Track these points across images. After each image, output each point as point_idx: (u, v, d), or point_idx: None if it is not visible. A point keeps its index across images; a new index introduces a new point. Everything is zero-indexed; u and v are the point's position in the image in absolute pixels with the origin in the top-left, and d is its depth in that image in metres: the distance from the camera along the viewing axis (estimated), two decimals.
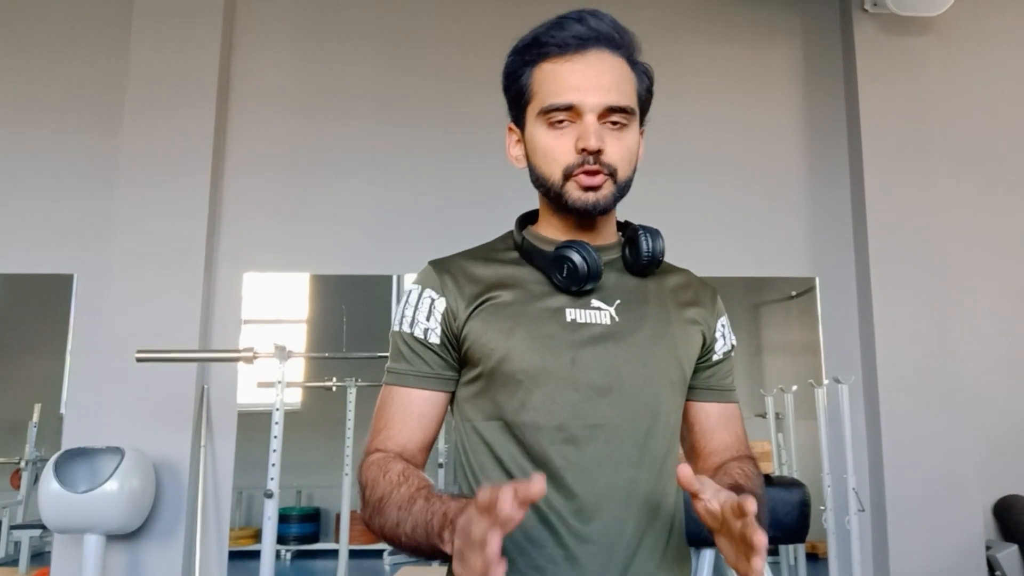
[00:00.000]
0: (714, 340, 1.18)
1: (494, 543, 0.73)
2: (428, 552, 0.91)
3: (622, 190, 1.09)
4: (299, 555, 3.42)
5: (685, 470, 0.88)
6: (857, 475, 2.87)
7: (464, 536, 0.79)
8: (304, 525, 3.44)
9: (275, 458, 2.59)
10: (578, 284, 1.07)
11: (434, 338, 1.09)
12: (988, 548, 3.02)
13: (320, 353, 3.43)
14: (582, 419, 1.04)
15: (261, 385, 2.97)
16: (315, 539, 3.44)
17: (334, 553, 3.29)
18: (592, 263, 1.06)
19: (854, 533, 2.79)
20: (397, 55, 3.43)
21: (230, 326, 3.19)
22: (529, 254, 1.12)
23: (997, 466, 3.14)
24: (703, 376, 1.18)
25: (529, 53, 1.09)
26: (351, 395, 3.34)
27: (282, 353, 2.66)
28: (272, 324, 3.51)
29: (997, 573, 2.98)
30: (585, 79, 1.05)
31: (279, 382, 2.64)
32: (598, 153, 1.04)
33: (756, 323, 3.58)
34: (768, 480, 2.46)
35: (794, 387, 3.29)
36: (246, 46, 3.40)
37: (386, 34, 3.45)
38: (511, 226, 1.21)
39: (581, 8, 1.08)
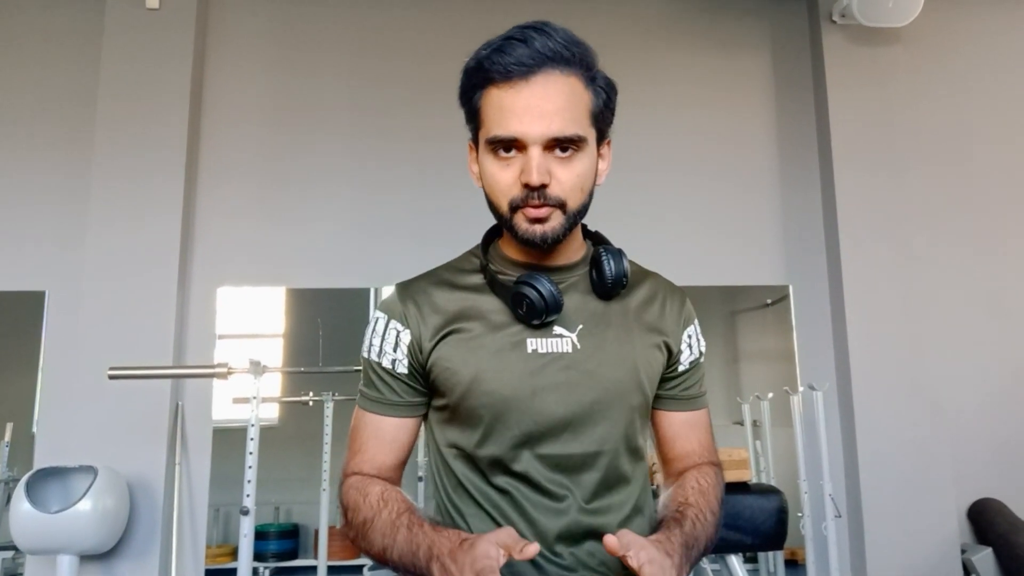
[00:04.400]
0: (679, 352, 1.17)
1: None
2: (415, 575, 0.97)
3: (574, 218, 1.06)
4: (278, 572, 3.38)
5: (609, 540, 0.91)
6: (833, 481, 2.89)
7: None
8: (283, 542, 3.41)
9: (251, 475, 2.57)
10: (537, 318, 1.06)
11: (401, 368, 1.11)
12: (963, 551, 3.05)
13: (296, 368, 3.41)
14: (540, 452, 1.06)
15: (237, 401, 2.95)
16: (294, 556, 3.41)
17: (313, 570, 3.26)
18: (550, 298, 1.04)
19: (831, 539, 2.81)
20: (371, 67, 3.43)
21: (204, 341, 3.16)
22: (492, 282, 1.11)
23: (971, 470, 3.18)
24: (668, 386, 1.18)
25: (475, 77, 1.06)
26: (328, 410, 3.32)
27: (257, 368, 2.64)
28: (248, 339, 3.48)
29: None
30: (528, 109, 1.00)
31: (254, 398, 2.62)
32: (542, 187, 1.01)
33: (732, 331, 3.60)
34: (746, 488, 2.48)
35: (770, 395, 3.31)
36: (219, 59, 3.38)
37: (360, 46, 3.45)
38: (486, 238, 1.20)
39: (530, 23, 1.02)
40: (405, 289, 1.14)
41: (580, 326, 1.09)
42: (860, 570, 3.06)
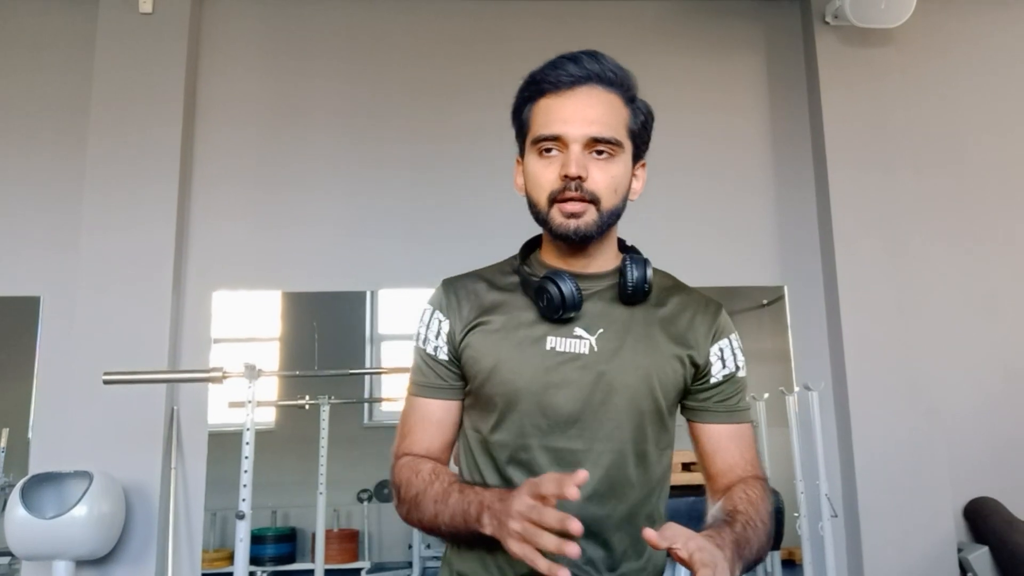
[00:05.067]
0: (708, 364, 1.21)
1: (575, 524, 0.87)
2: (466, 535, 1.05)
3: (607, 218, 1.15)
4: None
5: (649, 533, 0.92)
6: (829, 481, 2.90)
7: (527, 520, 0.91)
8: (280, 545, 3.40)
9: (246, 479, 2.57)
10: (556, 313, 1.14)
11: (442, 355, 1.21)
12: (960, 550, 3.06)
13: (292, 372, 3.41)
14: (546, 444, 1.13)
15: (232, 405, 2.94)
16: (291, 559, 3.40)
17: (311, 573, 3.26)
18: (569, 295, 1.12)
19: (828, 539, 2.81)
20: (365, 70, 3.44)
21: (200, 346, 3.16)
22: (523, 281, 1.20)
23: (967, 469, 3.18)
24: (702, 397, 1.22)
25: (528, 91, 1.18)
26: (324, 413, 3.31)
27: (252, 372, 2.64)
28: (244, 343, 3.48)
29: (969, 575, 3.02)
30: (573, 112, 1.13)
31: (249, 402, 2.62)
32: (579, 180, 1.11)
33: None
34: None
35: (766, 395, 3.31)
36: (212, 63, 3.38)
37: (353, 50, 3.45)
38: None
39: (583, 50, 1.17)
40: (450, 284, 1.25)
41: (601, 330, 1.16)
42: (857, 569, 3.07)
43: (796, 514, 2.90)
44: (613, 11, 3.52)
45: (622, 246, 1.29)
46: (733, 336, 1.24)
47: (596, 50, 1.18)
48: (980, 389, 3.31)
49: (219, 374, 2.66)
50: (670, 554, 0.93)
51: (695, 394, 1.21)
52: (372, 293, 3.54)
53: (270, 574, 3.36)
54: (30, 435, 3.06)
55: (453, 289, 1.23)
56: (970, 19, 3.62)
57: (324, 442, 3.31)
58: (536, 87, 1.17)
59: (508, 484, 1.12)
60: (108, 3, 3.22)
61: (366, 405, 3.57)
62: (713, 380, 1.21)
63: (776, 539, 2.41)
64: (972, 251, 3.42)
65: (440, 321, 1.21)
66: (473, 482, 1.16)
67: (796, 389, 3.15)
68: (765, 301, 3.47)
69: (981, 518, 3.13)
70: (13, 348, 3.25)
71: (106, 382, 2.62)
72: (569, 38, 3.51)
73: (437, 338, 1.21)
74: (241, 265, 3.25)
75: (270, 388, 3.39)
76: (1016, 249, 3.45)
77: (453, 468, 1.23)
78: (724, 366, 1.22)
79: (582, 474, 0.91)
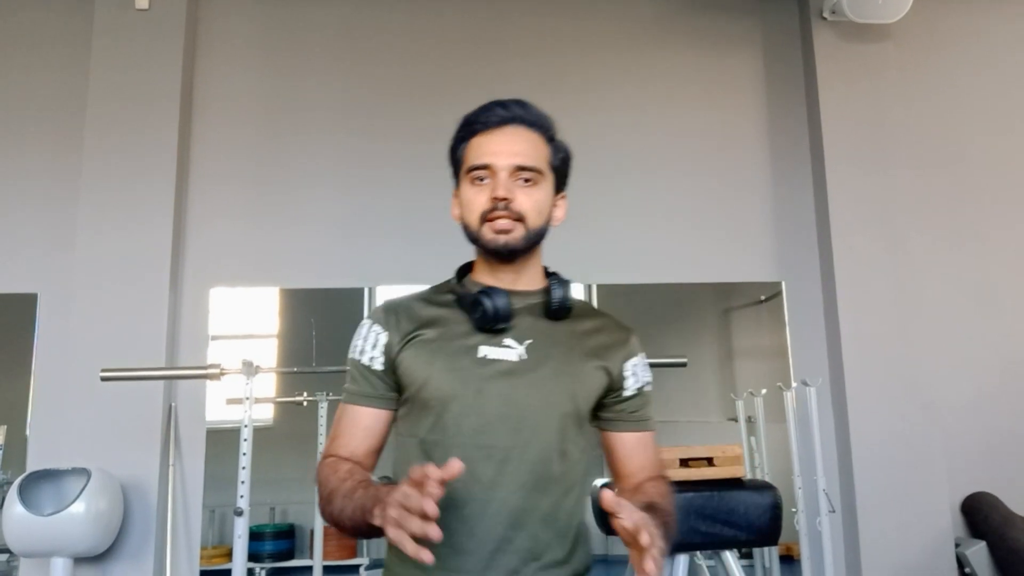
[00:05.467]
0: (622, 379, 1.36)
1: (430, 505, 0.94)
2: (365, 529, 1.12)
3: (532, 236, 1.30)
4: (274, 572, 3.38)
5: (608, 494, 1.03)
6: (827, 476, 2.90)
7: (401, 507, 0.98)
8: (279, 542, 3.40)
9: (244, 475, 2.57)
10: (489, 324, 1.28)
11: (377, 365, 1.31)
12: (957, 545, 3.06)
13: (289, 368, 3.41)
14: (480, 442, 1.23)
15: (230, 402, 2.94)
16: (290, 556, 3.41)
17: (309, 570, 3.26)
18: (501, 307, 1.27)
19: (825, 534, 2.81)
20: (361, 68, 3.43)
21: (197, 343, 3.16)
22: (458, 298, 1.33)
23: (964, 464, 3.19)
24: (616, 409, 1.37)
25: (463, 131, 1.35)
26: (322, 410, 3.32)
27: (249, 369, 2.64)
28: (242, 340, 3.48)
29: (966, 570, 3.02)
30: (500, 146, 1.30)
31: (247, 398, 2.62)
32: (507, 201, 1.27)
33: (726, 328, 3.61)
34: (740, 484, 2.48)
35: (764, 391, 3.32)
36: (209, 60, 3.38)
37: (350, 47, 3.45)
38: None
39: (511, 98, 1.34)
40: (389, 303, 1.37)
41: (529, 340, 1.30)
42: (855, 565, 3.07)
43: (794, 509, 2.90)
44: (610, 9, 3.51)
45: (545, 271, 1.41)
46: (642, 355, 1.40)
47: (522, 99, 1.35)
48: (977, 385, 3.32)
49: (217, 371, 2.65)
50: (612, 522, 1.04)
51: (610, 407, 1.36)
52: (369, 289, 3.54)
53: (269, 571, 3.37)
54: (28, 432, 3.06)
55: (392, 307, 1.35)
56: (967, 14, 3.62)
57: (322, 439, 3.31)
58: (469, 128, 1.34)
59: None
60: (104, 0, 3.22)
61: None
62: (626, 393, 1.36)
63: (774, 534, 2.42)
64: (969, 247, 3.43)
65: (379, 334, 1.32)
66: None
67: (794, 385, 3.15)
68: (763, 297, 3.47)
69: (978, 513, 3.14)
70: (10, 345, 3.25)
71: (103, 379, 2.62)
72: (566, 37, 3.52)
73: (374, 349, 1.31)
74: (238, 262, 3.25)
75: (268, 385, 3.39)
76: (1013, 245, 3.45)
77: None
78: (636, 380, 1.37)
79: (456, 464, 0.98)
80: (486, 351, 1.28)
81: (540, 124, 1.35)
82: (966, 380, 3.31)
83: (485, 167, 1.29)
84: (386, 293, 3.54)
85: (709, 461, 2.44)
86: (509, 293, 1.30)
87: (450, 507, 1.18)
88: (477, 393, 1.25)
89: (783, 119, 3.49)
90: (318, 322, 3.42)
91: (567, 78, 3.46)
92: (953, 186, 3.46)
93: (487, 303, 1.27)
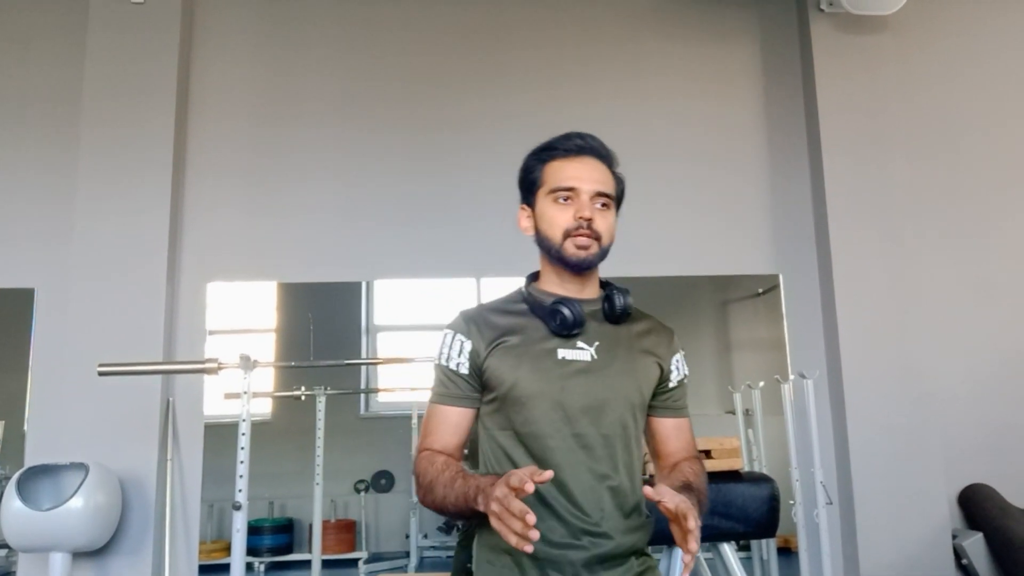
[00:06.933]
0: (670, 372, 1.56)
1: (531, 516, 1.12)
2: (468, 513, 1.32)
3: (604, 253, 1.50)
4: (273, 567, 3.39)
5: (647, 489, 1.22)
6: (824, 469, 2.91)
7: (503, 506, 1.16)
8: (277, 536, 3.41)
9: (243, 469, 2.57)
10: (567, 330, 1.46)
11: (464, 369, 1.48)
12: (954, 537, 3.07)
13: (287, 362, 3.41)
14: (569, 430, 1.43)
15: (228, 396, 2.94)
16: (289, 550, 3.42)
17: (308, 564, 3.27)
18: (577, 315, 1.45)
19: (823, 526, 2.82)
20: (358, 60, 3.42)
21: (195, 337, 3.16)
22: (532, 307, 1.51)
23: (961, 456, 3.20)
24: (661, 398, 1.55)
25: (542, 155, 1.54)
26: (320, 404, 3.32)
27: (247, 363, 2.64)
28: (239, 334, 3.48)
29: (964, 561, 3.04)
30: (582, 172, 1.49)
31: (245, 393, 2.62)
32: (590, 221, 1.46)
33: (723, 321, 3.62)
34: (738, 476, 2.49)
35: (761, 383, 3.32)
36: (205, 53, 3.37)
37: (347, 39, 3.44)
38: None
39: (586, 132, 1.54)
40: (468, 314, 1.53)
41: (597, 343, 1.48)
42: (852, 556, 3.08)
43: (791, 501, 2.91)
44: (607, 0, 3.51)
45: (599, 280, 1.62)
46: (682, 351, 1.60)
47: (591, 134, 1.54)
48: (974, 376, 3.32)
49: (214, 365, 2.66)
50: (658, 507, 1.22)
51: (656, 396, 1.54)
52: (368, 284, 3.54)
53: (267, 565, 3.37)
54: (26, 427, 3.05)
55: (471, 317, 1.52)
56: (964, 6, 3.61)
57: (320, 433, 3.32)
58: (550, 151, 1.52)
59: (542, 466, 1.35)
60: None
61: (362, 396, 3.58)
62: (671, 384, 1.56)
63: (771, 527, 2.43)
64: (966, 238, 3.43)
65: (463, 342, 1.49)
66: (493, 472, 1.45)
67: (791, 377, 3.16)
68: (760, 290, 3.48)
69: (975, 505, 3.14)
70: (8, 340, 3.25)
71: (101, 374, 2.62)
72: (564, 29, 3.51)
73: (459, 355, 1.48)
74: (236, 256, 3.24)
75: (266, 379, 3.39)
76: (1010, 236, 3.45)
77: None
78: (678, 373, 1.57)
79: (548, 473, 1.18)
80: (564, 353, 1.46)
81: (609, 157, 1.55)
82: (963, 372, 3.31)
83: (570, 189, 1.47)
84: (384, 287, 3.54)
85: (707, 453, 2.45)
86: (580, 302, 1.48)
87: (554, 486, 1.37)
88: (561, 390, 1.43)
89: (780, 111, 3.48)
90: (316, 316, 3.42)
91: (564, 70, 3.45)
92: (950, 178, 3.46)
93: (565, 312, 1.44)
